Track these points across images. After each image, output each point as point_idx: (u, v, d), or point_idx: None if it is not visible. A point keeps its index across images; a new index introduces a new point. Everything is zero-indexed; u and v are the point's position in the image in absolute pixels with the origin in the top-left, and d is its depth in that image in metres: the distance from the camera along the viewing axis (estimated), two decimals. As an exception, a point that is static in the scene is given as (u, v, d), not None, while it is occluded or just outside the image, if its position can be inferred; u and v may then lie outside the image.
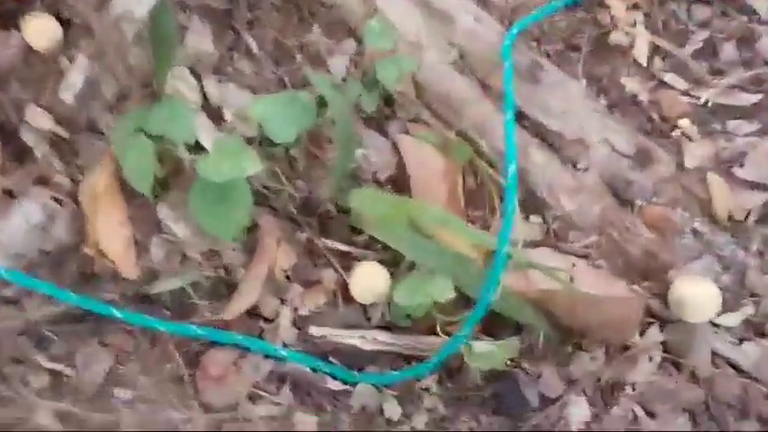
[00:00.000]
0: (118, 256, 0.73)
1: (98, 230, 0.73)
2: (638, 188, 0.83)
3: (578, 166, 0.83)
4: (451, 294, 0.72)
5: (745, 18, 1.01)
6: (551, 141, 0.83)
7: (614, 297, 0.73)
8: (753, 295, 0.80)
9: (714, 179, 0.85)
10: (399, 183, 0.83)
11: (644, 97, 0.93)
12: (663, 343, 0.76)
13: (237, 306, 0.75)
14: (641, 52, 0.97)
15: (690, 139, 0.90)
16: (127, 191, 0.79)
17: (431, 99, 0.85)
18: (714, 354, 0.77)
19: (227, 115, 0.82)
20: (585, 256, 0.79)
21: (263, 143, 0.80)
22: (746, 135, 0.91)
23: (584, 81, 0.94)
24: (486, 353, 0.72)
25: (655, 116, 0.92)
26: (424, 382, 0.76)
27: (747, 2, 1.02)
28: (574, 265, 0.77)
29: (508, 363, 0.76)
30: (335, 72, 0.88)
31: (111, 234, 0.73)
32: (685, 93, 0.95)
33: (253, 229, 0.81)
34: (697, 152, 0.89)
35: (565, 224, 0.81)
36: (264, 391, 0.76)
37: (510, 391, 0.74)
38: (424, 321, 0.78)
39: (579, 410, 0.73)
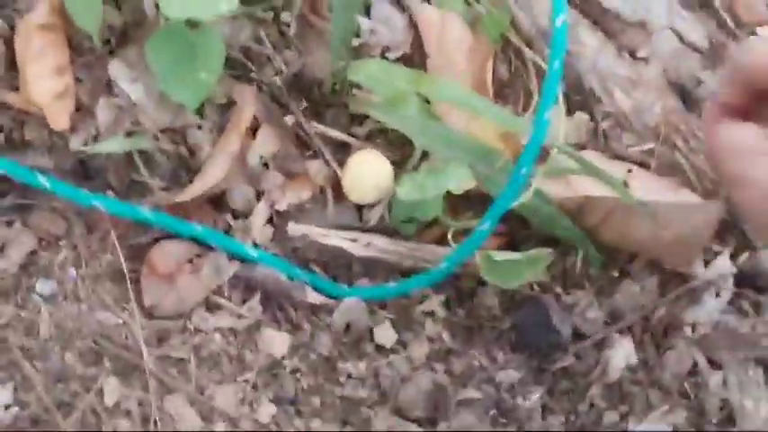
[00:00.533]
0: (48, 104, 0.56)
1: (28, 74, 0.57)
2: (710, 90, 0.66)
3: (638, 55, 0.66)
4: (470, 184, 0.56)
5: None
6: (606, 23, 0.67)
7: (683, 204, 0.57)
8: None
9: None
10: (414, 63, 0.67)
11: (717, -3, 0.76)
12: (736, 276, 0.59)
13: (199, 185, 0.59)
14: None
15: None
16: (75, 43, 0.63)
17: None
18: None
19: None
20: (641, 164, 0.63)
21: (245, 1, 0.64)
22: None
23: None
24: (510, 264, 0.55)
25: (728, 19, 0.75)
26: (428, 305, 0.60)
27: None
28: (630, 171, 0.60)
29: (536, 288, 0.59)
30: None
31: (44, 77, 0.57)
32: (766, -4, 0.77)
33: (228, 107, 0.65)
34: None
35: (617, 124, 0.65)
36: (227, 299, 0.60)
37: (536, 322, 0.58)
38: (432, 229, 0.62)
39: (622, 352, 0.57)
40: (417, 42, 0.68)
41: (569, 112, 0.65)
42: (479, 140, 0.60)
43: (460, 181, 0.56)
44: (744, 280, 0.59)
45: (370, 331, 0.59)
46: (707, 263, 0.60)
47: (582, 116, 0.65)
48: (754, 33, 0.75)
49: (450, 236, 0.60)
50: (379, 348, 0.59)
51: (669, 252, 0.58)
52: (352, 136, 0.66)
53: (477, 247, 0.56)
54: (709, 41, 0.68)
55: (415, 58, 0.67)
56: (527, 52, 0.66)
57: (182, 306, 0.58)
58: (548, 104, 0.55)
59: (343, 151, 0.66)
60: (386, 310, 0.60)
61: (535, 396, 0.56)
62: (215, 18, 0.60)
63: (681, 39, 0.67)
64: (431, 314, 0.60)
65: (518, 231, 0.61)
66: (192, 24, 0.61)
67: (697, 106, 0.66)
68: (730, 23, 0.74)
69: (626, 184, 0.59)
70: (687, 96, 0.66)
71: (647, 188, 0.59)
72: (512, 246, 0.61)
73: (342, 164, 0.64)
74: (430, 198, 0.57)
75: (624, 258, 0.60)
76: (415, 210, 0.59)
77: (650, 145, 0.64)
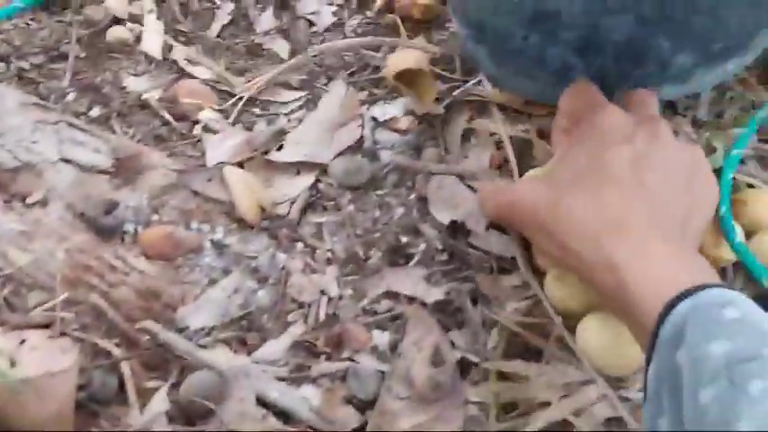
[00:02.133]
0: None
1: None
2: (127, 210, 0.60)
3: (29, 201, 0.58)
4: None
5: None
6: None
7: (35, 377, 0.49)
8: (301, 306, 0.59)
9: (232, 173, 0.64)
10: None
11: (153, 96, 0.72)
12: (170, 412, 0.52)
13: None
14: (152, 46, 0.76)
15: (214, 132, 0.69)
16: None
17: None
18: (261, 401, 0.54)
19: None
20: (48, 325, 0.55)
21: None
22: (289, 113, 0.71)
23: (73, 94, 0.71)
24: None
25: (168, 116, 0.70)
26: None
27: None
28: (23, 342, 0.52)
29: None
30: None
31: None
32: (210, 81, 0.74)
33: None
34: (222, 145, 0.68)
35: (20, 286, 0.57)
36: None
37: None
38: None
39: None
40: None
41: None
42: None
43: None
44: (185, 408, 0.52)
45: None
46: (143, 407, 0.52)
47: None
48: (198, 122, 0.71)
49: None
50: None
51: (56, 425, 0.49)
52: None
53: None
54: (116, 157, 0.62)
55: None
56: None
57: None
58: None
59: None
60: None
61: None
62: None
63: (80, 166, 0.61)
64: None
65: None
66: None
67: (115, 233, 0.60)
68: (171, 119, 0.70)
69: (13, 364, 0.50)
70: (99, 226, 0.59)
71: (36, 358, 0.51)
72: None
73: None
74: None
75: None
76: None
77: (63, 296, 0.56)
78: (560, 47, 0.56)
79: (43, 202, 0.59)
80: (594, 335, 0.50)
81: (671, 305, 0.40)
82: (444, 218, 0.63)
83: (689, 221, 0.49)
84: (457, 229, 0.61)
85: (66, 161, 0.61)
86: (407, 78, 0.68)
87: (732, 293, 0.40)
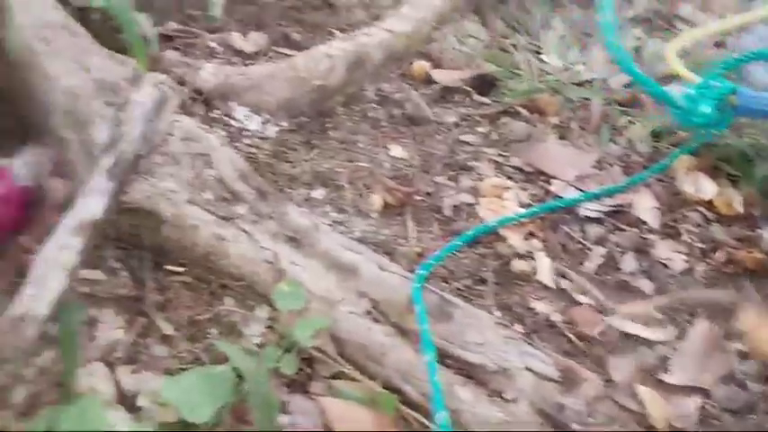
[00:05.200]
0: None
1: None
2: (571, 412, 0.82)
3: (505, 397, 0.81)
4: None
5: (636, 230, 1.08)
6: (475, 376, 0.83)
7: None
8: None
9: (644, 391, 0.85)
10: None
11: (557, 318, 0.95)
12: None
13: None
14: (545, 275, 1.01)
15: (611, 352, 0.91)
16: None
17: (351, 352, 0.85)
18: None
19: (142, 401, 0.79)
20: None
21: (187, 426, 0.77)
22: (663, 342, 0.93)
23: (496, 312, 0.96)
24: None
25: (572, 335, 0.93)
26: None
27: (636, 215, 1.09)
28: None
29: None
30: (253, 340, 0.88)
31: None
32: (597, 308, 0.97)
33: None
34: (621, 364, 0.89)
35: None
36: None
37: None
38: None
39: None
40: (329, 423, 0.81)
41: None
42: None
43: None
44: None
45: None
46: None
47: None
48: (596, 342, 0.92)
49: None
50: None
51: None
52: None
53: None
54: (560, 369, 0.85)
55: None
56: (418, 418, 0.80)
57: None
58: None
59: None
60: None
61: None
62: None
63: (536, 374, 0.84)
64: None
65: None
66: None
67: (565, 428, 0.81)
68: (574, 338, 0.92)
69: None
70: (554, 421, 0.81)
71: None
72: None
73: None
74: None
75: None
76: None
77: (535, 472, 0.77)
78: None
79: (514, 400, 0.82)
80: None
81: None
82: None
83: None
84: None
85: (527, 369, 0.83)
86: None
87: None
